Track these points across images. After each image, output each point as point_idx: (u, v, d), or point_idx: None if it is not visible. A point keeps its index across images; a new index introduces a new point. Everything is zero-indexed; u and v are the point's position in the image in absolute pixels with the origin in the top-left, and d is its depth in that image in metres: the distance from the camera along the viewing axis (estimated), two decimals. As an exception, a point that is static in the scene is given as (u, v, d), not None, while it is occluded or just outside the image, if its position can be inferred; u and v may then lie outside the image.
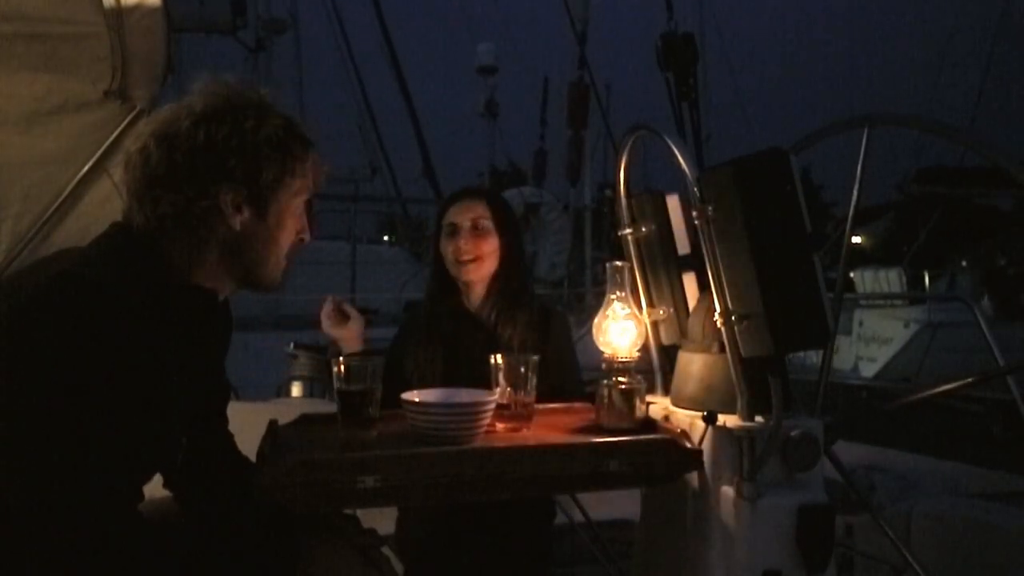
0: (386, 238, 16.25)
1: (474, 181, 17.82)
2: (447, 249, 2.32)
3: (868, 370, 13.01)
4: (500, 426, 1.73)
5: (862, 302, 14.17)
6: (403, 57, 13.28)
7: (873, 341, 13.47)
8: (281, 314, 10.24)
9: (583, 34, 12.49)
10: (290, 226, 1.54)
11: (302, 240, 1.58)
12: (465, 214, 2.32)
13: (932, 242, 15.68)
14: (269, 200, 1.49)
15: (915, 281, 15.23)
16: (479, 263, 2.31)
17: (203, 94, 1.48)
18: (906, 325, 12.98)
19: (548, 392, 1.94)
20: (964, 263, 16.51)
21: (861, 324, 13.65)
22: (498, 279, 2.34)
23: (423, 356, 2.32)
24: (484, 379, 1.77)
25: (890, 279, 15.20)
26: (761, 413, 1.58)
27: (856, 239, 16.18)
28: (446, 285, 2.38)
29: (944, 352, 11.45)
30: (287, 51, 15.99)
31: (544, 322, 2.32)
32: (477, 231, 2.31)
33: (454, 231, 2.32)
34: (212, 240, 1.47)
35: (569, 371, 2.34)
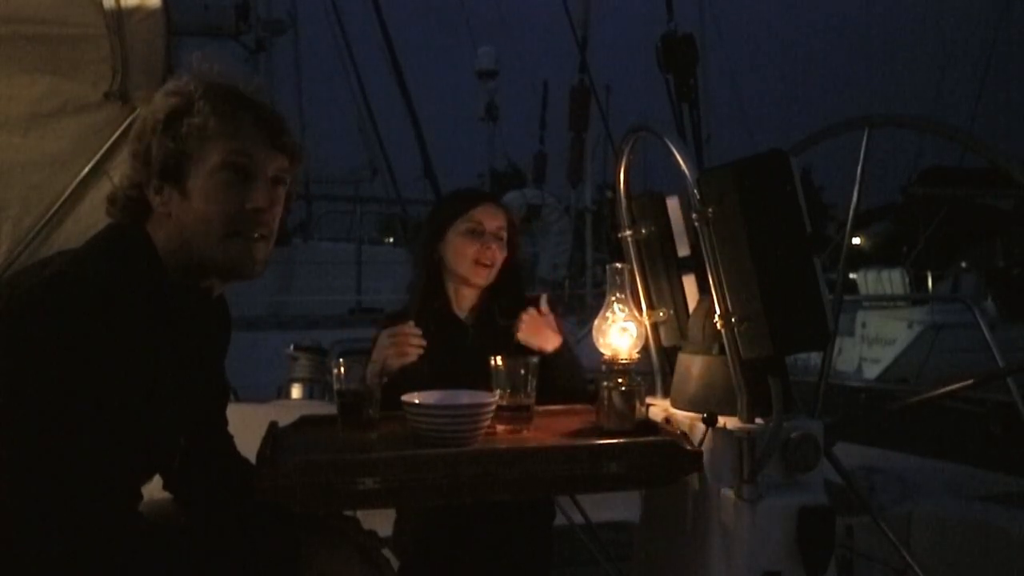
0: (391, 240, 16.26)
1: (474, 183, 17.85)
2: (467, 247, 2.25)
3: (871, 371, 13.00)
4: (500, 428, 1.73)
5: (865, 303, 14.15)
6: (403, 59, 13.26)
7: (876, 342, 13.46)
8: (286, 314, 10.27)
9: (584, 39, 12.52)
10: (212, 195, 1.45)
11: (257, 210, 1.47)
12: (493, 220, 2.29)
13: (935, 243, 15.68)
14: (183, 175, 1.45)
15: (918, 282, 15.23)
16: (492, 271, 2.28)
17: None
18: (909, 326, 12.98)
19: (553, 383, 1.94)
20: (964, 264, 16.51)
21: (864, 325, 13.64)
22: (494, 285, 2.32)
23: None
24: (472, 384, 1.75)
25: (893, 280, 15.20)
26: (761, 415, 1.58)
27: (858, 240, 16.23)
28: (437, 286, 2.33)
29: (948, 353, 11.44)
30: (287, 52, 16.02)
31: None
32: (499, 240, 2.29)
33: (480, 233, 2.26)
34: (160, 230, 1.47)
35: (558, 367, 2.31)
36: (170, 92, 1.48)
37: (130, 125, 2.26)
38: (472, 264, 2.26)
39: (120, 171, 1.52)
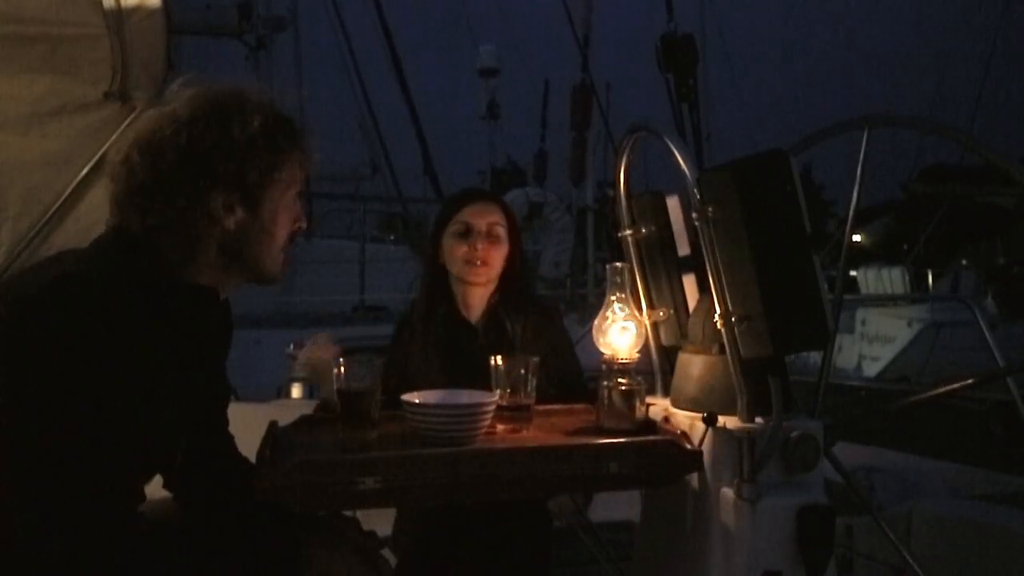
0: (392, 237, 16.28)
1: (475, 181, 17.88)
2: (457, 249, 2.26)
3: (871, 369, 12.99)
4: (500, 427, 1.73)
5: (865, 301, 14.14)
6: (405, 57, 13.29)
7: (876, 340, 13.45)
8: (289, 312, 10.28)
9: (585, 38, 12.52)
10: (284, 219, 1.54)
11: (299, 229, 1.58)
12: (482, 217, 2.27)
13: (935, 240, 15.67)
14: (260, 197, 1.49)
15: (918, 279, 15.22)
16: (488, 268, 2.27)
17: (186, 98, 1.47)
18: (909, 324, 12.96)
19: (554, 385, 1.94)
20: (964, 262, 16.49)
21: (864, 323, 13.63)
22: (501, 285, 2.32)
23: (419, 362, 2.27)
24: (482, 387, 1.75)
25: (893, 278, 15.20)
26: (761, 414, 1.58)
27: (858, 238, 16.21)
28: (442, 287, 2.34)
29: (948, 351, 11.43)
30: (288, 50, 16.00)
31: (539, 318, 2.31)
32: (492, 237, 2.27)
33: (468, 232, 2.26)
34: (208, 241, 1.48)
35: (568, 360, 2.34)
36: (252, 112, 1.48)
37: (130, 125, 2.26)
38: (463, 265, 2.26)
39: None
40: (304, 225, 1.59)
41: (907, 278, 15.09)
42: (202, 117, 1.44)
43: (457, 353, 2.26)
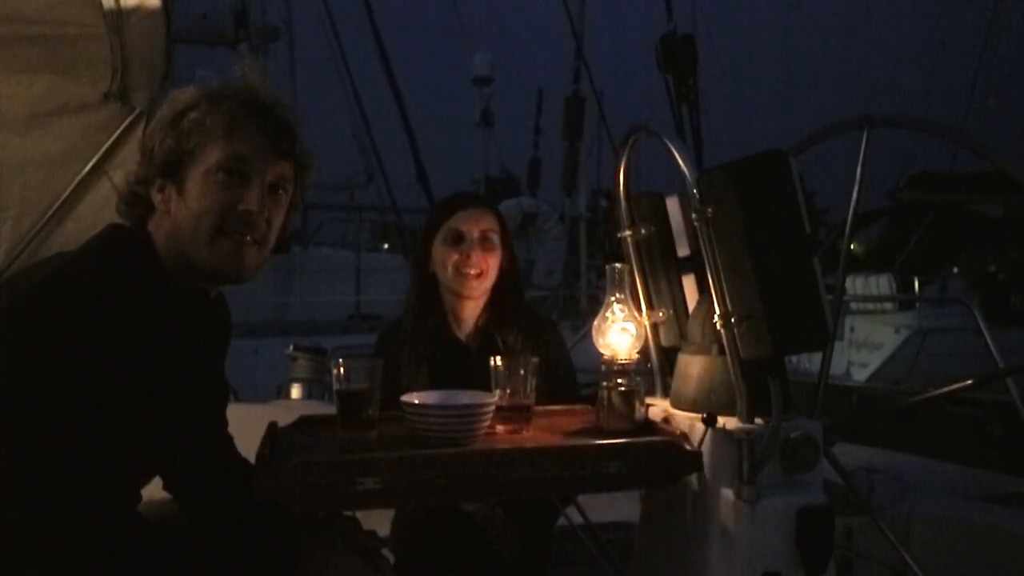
0: (386, 246, 16.31)
1: (469, 189, 17.88)
2: (448, 258, 2.17)
3: (859, 375, 13.02)
4: (500, 428, 1.72)
5: (853, 307, 14.16)
6: (399, 67, 13.34)
7: (864, 346, 13.50)
8: (286, 320, 10.31)
9: (578, 50, 12.60)
10: (207, 197, 1.44)
11: (246, 212, 1.45)
12: (475, 224, 2.17)
13: (922, 248, 15.70)
14: (183, 175, 1.45)
15: (905, 287, 15.24)
16: (483, 278, 2.18)
17: None
18: (896, 331, 13.01)
19: (543, 402, 1.91)
20: (955, 269, 16.54)
21: (852, 330, 13.68)
22: (493, 298, 2.24)
23: (407, 378, 2.15)
24: None
25: (880, 286, 15.22)
26: (761, 415, 1.58)
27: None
28: (431, 299, 2.25)
29: (934, 357, 11.49)
30: (282, 59, 16.04)
31: (538, 335, 2.23)
32: (486, 243, 2.17)
33: (460, 240, 2.17)
34: (160, 229, 1.47)
35: (565, 382, 2.26)
36: (185, 90, 1.48)
37: (130, 125, 2.27)
38: (455, 274, 2.17)
39: (125, 169, 1.52)
40: (249, 207, 1.46)
41: (893, 286, 15.11)
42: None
43: (448, 371, 2.14)
